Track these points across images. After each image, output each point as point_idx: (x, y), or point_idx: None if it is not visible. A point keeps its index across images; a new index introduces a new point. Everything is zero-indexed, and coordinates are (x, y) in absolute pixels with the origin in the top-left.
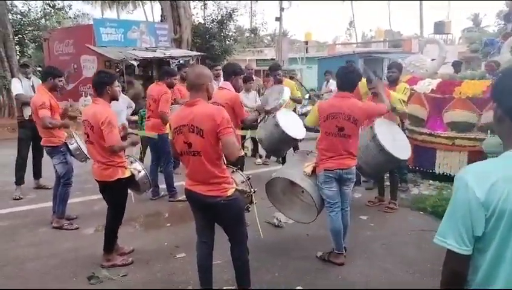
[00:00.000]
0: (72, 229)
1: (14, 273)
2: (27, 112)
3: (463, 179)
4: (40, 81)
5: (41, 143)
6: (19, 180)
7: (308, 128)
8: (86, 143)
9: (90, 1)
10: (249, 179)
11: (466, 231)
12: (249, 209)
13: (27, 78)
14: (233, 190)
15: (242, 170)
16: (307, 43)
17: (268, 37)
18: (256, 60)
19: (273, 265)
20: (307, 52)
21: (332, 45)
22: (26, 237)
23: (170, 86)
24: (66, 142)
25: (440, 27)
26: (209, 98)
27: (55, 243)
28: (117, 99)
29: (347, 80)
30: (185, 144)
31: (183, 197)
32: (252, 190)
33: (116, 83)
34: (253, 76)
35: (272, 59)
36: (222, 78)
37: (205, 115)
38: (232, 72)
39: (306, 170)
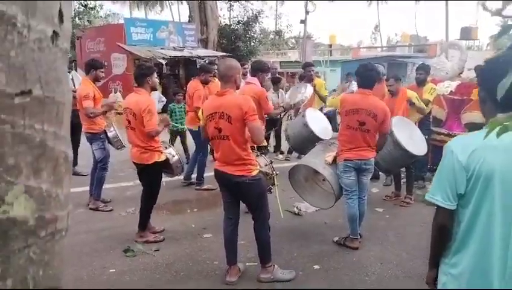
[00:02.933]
0: (107, 211)
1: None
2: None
3: (449, 147)
4: (77, 74)
5: (83, 130)
6: None
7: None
8: (126, 129)
9: (120, 1)
10: (272, 162)
11: (451, 189)
12: (271, 190)
13: (68, 72)
14: (258, 171)
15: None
16: (331, 46)
17: (292, 40)
18: (280, 62)
19: (292, 247)
20: (330, 55)
21: (357, 48)
22: None
23: (205, 82)
24: (105, 130)
25: (466, 33)
26: (237, 88)
27: (92, 222)
28: (156, 90)
29: (367, 78)
30: (215, 129)
31: (209, 186)
32: (275, 172)
33: (155, 74)
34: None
35: (296, 61)
36: (249, 75)
37: (233, 104)
38: (259, 69)
39: (327, 159)
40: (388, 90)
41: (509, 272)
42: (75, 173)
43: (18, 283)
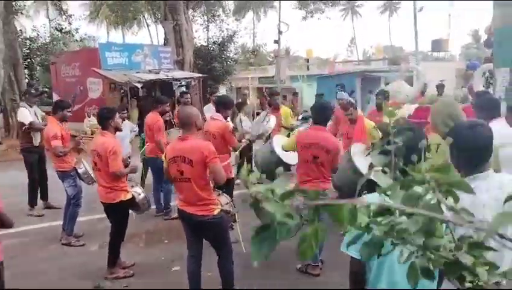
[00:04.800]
0: (79, 246)
1: (25, 286)
2: (37, 139)
3: None
4: (39, 110)
5: (54, 168)
6: (33, 202)
7: None
8: (93, 170)
9: (96, 22)
10: (232, 200)
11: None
12: (233, 227)
13: (30, 106)
14: (219, 210)
15: (232, 190)
16: (308, 60)
17: (271, 54)
18: (259, 77)
19: (256, 276)
20: (308, 69)
21: (332, 62)
22: (37, 253)
23: (162, 113)
24: (75, 167)
25: (438, 44)
26: (199, 129)
27: (64, 258)
28: (120, 130)
29: (322, 115)
30: (178, 172)
31: (177, 215)
32: (235, 210)
33: (117, 115)
34: (247, 99)
35: (273, 77)
36: (214, 109)
37: (195, 148)
38: (222, 105)
39: None
40: (348, 119)
41: None
42: (48, 207)
43: None
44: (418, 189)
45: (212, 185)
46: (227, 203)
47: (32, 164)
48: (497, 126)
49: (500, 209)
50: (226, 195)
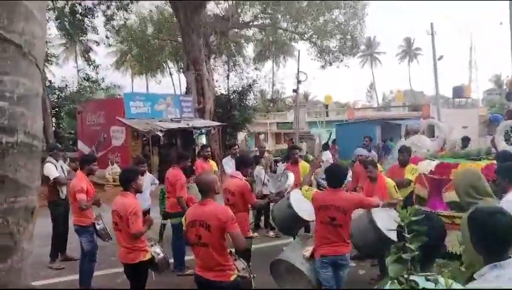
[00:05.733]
0: None
1: None
2: (64, 192)
3: None
4: (65, 165)
5: (73, 222)
6: (55, 255)
7: None
8: (114, 230)
9: (121, 70)
10: (249, 266)
11: None
12: None
13: (56, 160)
14: (236, 275)
15: (249, 252)
16: (327, 106)
17: (289, 99)
18: (277, 122)
19: None
20: (327, 115)
21: (351, 109)
22: None
23: (184, 168)
24: (94, 223)
25: (459, 91)
26: (217, 193)
27: None
28: (141, 192)
29: (336, 179)
30: (196, 236)
31: (190, 271)
32: (252, 275)
33: (140, 177)
34: (265, 153)
35: (291, 122)
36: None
37: (213, 214)
38: (243, 164)
39: (305, 254)
40: (368, 177)
41: None
42: (66, 259)
43: None
44: None
45: (229, 250)
46: (243, 269)
47: (58, 218)
48: None
49: None
50: (242, 260)
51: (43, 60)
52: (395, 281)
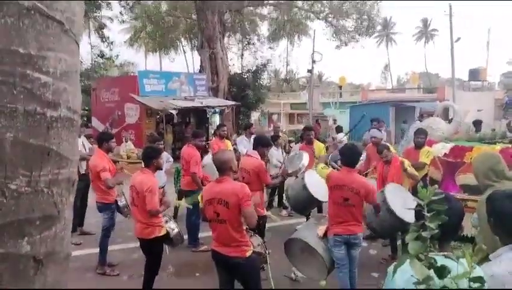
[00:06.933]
0: (113, 275)
1: None
2: (83, 167)
3: None
4: (87, 141)
5: (96, 199)
6: (74, 229)
7: None
8: (131, 205)
9: (135, 47)
10: (264, 242)
11: None
12: (264, 268)
13: (78, 137)
14: (251, 251)
15: (264, 229)
16: (340, 87)
17: (303, 79)
18: (291, 103)
19: None
20: (340, 96)
21: (365, 90)
22: (74, 281)
23: (199, 147)
24: (116, 200)
25: (475, 74)
26: (235, 171)
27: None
28: (161, 169)
29: (350, 158)
30: (214, 213)
31: (205, 247)
32: (267, 251)
33: (161, 155)
34: (280, 133)
35: (305, 103)
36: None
37: (231, 191)
38: (259, 144)
39: (319, 233)
40: (383, 160)
41: None
42: (84, 233)
43: None
44: None
45: (244, 227)
46: (259, 245)
47: (77, 193)
48: None
49: None
50: (257, 236)
51: (81, 37)
52: (415, 258)
